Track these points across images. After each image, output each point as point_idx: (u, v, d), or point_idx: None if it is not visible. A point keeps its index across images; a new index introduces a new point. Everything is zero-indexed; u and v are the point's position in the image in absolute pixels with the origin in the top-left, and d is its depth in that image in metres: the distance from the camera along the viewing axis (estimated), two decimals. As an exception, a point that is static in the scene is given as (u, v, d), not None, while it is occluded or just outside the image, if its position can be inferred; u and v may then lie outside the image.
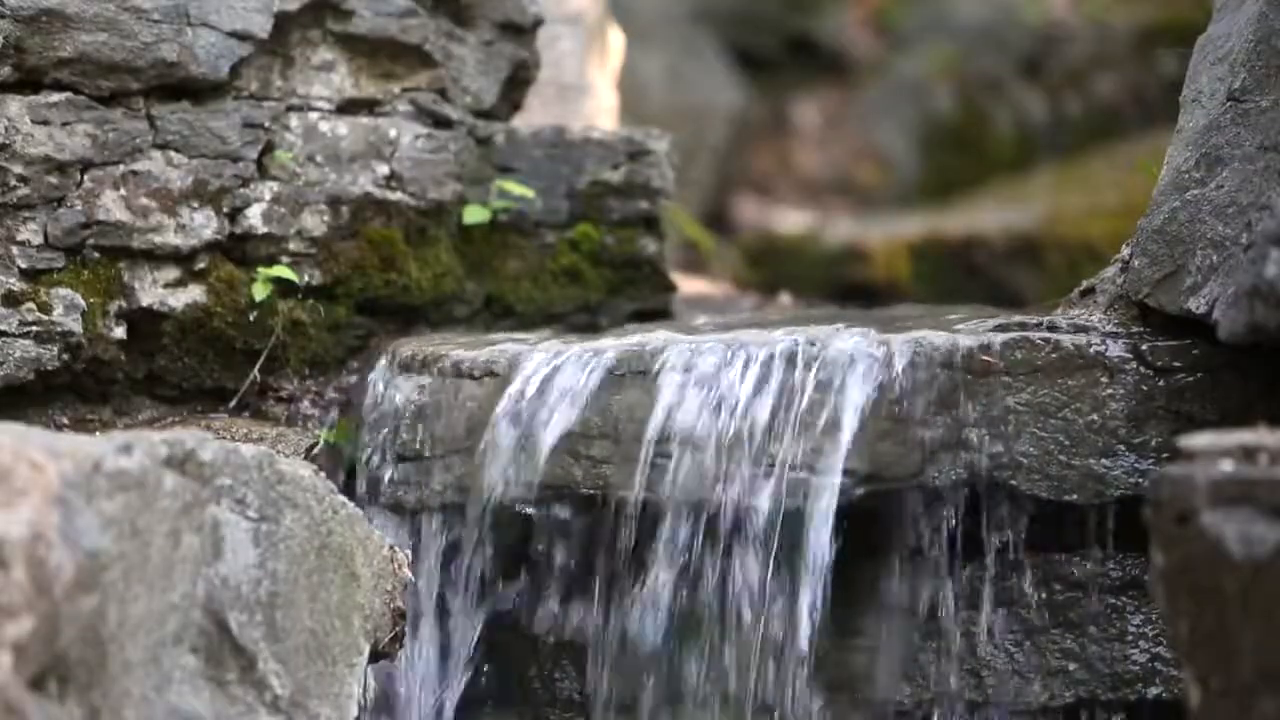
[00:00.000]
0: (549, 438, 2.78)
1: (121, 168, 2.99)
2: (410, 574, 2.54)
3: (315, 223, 3.14)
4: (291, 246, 3.12)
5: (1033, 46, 7.06)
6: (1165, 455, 2.67)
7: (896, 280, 5.63)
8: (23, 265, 2.92)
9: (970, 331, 2.79)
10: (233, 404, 3.10)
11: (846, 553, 2.71)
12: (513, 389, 2.82)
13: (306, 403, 3.13)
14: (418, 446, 2.88)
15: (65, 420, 3.00)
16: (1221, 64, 2.84)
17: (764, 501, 2.69)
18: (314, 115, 3.16)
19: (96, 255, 2.98)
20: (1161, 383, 2.73)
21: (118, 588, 2.11)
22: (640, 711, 2.77)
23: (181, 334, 3.06)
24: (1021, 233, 5.63)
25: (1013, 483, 2.71)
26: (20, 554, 1.96)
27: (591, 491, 2.77)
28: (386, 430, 2.92)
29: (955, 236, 5.73)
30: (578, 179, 3.35)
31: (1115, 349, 2.75)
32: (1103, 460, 2.71)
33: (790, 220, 6.62)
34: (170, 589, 2.20)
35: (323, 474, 2.46)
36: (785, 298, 4.36)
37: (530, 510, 2.79)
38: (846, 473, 2.69)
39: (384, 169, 3.20)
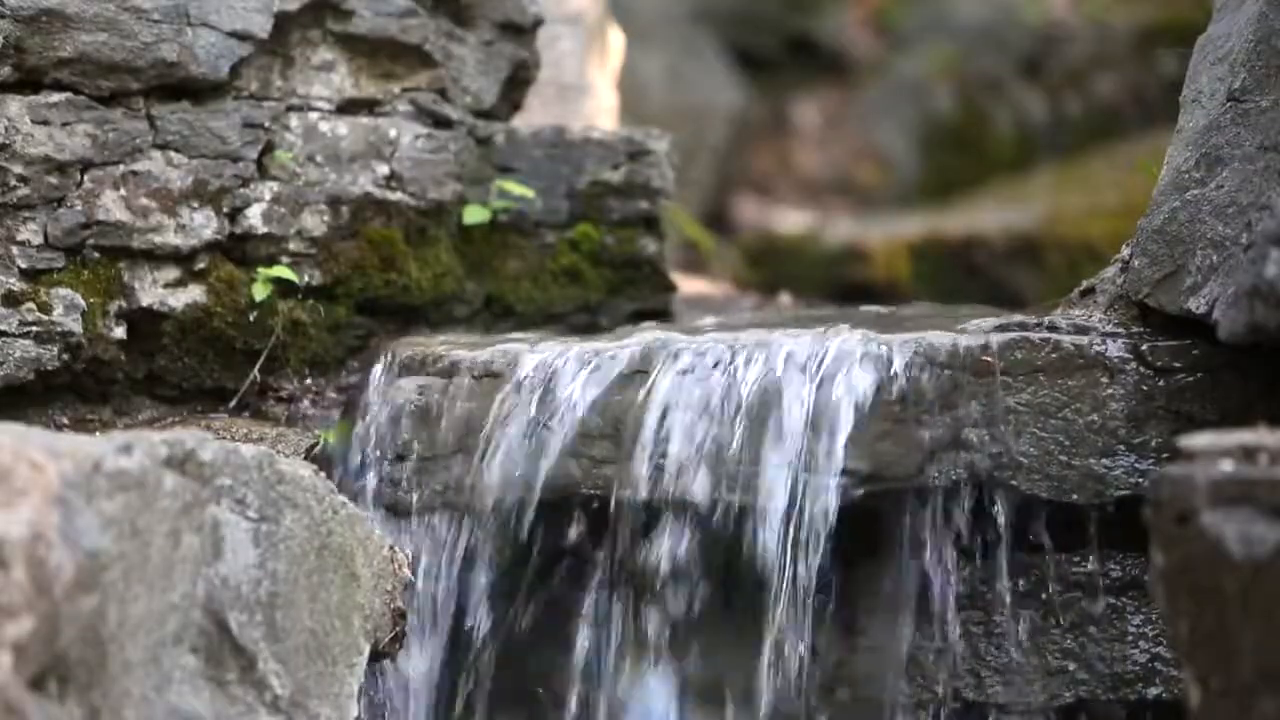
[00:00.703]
0: (548, 438, 2.78)
1: (121, 168, 2.99)
2: (410, 574, 2.55)
3: (315, 223, 3.14)
4: (291, 246, 3.12)
5: (1033, 46, 7.06)
6: (1165, 455, 2.67)
7: (896, 280, 5.63)
8: (23, 265, 2.92)
9: (970, 331, 2.79)
10: (233, 404, 3.10)
11: (847, 553, 2.71)
12: (513, 389, 2.82)
13: (306, 403, 3.13)
14: (418, 447, 2.88)
15: (65, 420, 3.00)
16: (1221, 64, 2.84)
17: (763, 501, 2.69)
18: (314, 115, 3.16)
19: (96, 255, 2.98)
20: (1161, 383, 2.73)
21: (118, 588, 2.11)
22: (647, 710, 2.77)
23: (181, 334, 3.06)
24: (1021, 233, 5.63)
25: (1013, 483, 2.71)
26: (20, 554, 1.96)
27: (592, 492, 2.77)
28: (386, 430, 2.92)
29: (955, 236, 5.73)
30: (578, 179, 3.35)
31: (1115, 349, 2.75)
32: (1103, 460, 2.71)
33: (790, 220, 6.62)
34: (170, 589, 2.20)
35: (322, 474, 2.46)
36: (785, 298, 4.36)
37: (530, 510, 2.78)
38: (846, 473, 2.69)
39: (384, 169, 3.20)
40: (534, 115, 3.59)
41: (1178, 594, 2.02)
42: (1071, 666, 2.73)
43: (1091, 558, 2.74)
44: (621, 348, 2.83)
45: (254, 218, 3.09)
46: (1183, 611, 2.02)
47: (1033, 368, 2.73)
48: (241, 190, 3.07)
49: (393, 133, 3.21)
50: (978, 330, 2.80)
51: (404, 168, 3.20)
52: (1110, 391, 2.73)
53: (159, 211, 3.01)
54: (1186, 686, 2.03)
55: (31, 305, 2.91)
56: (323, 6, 3.15)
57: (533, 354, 2.86)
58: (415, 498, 2.87)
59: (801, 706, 2.72)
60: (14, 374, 2.89)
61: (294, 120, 3.14)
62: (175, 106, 3.03)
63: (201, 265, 3.06)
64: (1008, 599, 2.74)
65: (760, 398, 2.73)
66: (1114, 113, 6.73)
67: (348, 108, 3.20)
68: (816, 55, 7.38)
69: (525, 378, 2.82)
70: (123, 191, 2.98)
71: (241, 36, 3.05)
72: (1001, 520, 2.73)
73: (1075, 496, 2.71)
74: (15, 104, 2.92)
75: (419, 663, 2.82)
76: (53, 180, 2.94)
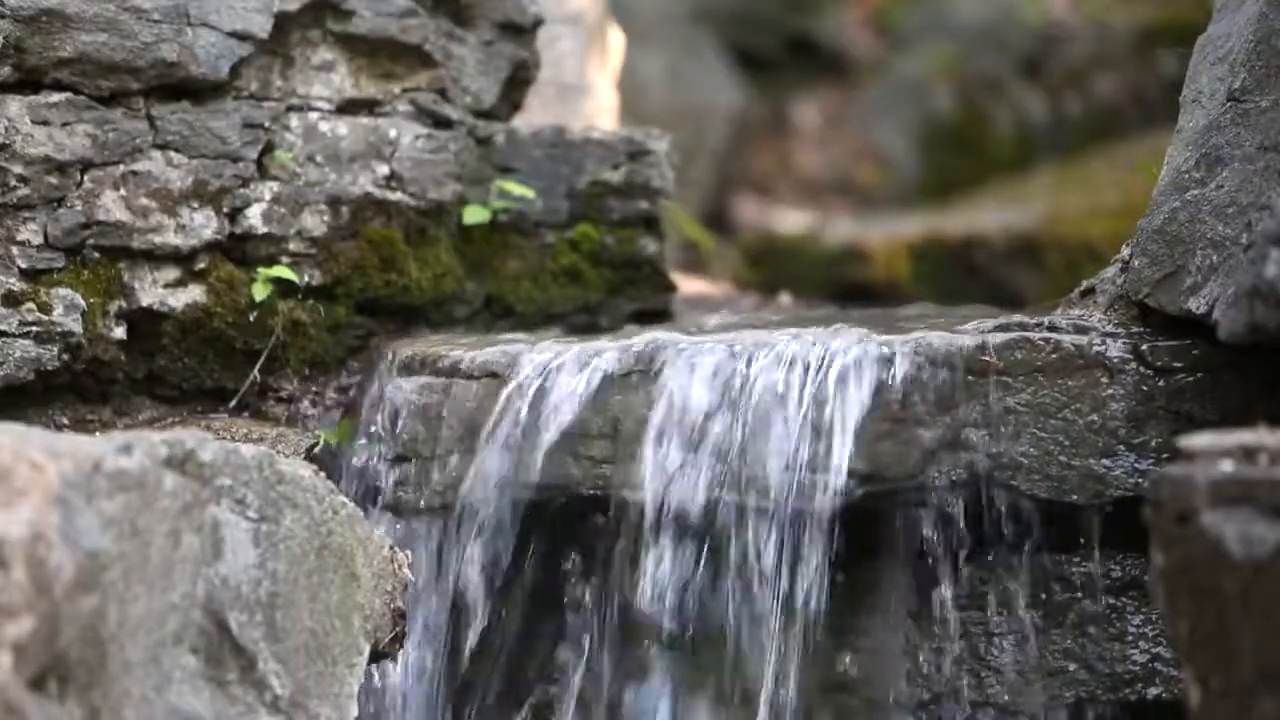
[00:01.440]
0: (548, 438, 2.78)
1: (121, 168, 2.99)
2: (410, 574, 2.55)
3: (315, 223, 3.14)
4: (291, 246, 3.12)
5: (1033, 46, 7.06)
6: (1165, 455, 2.67)
7: (896, 280, 5.62)
8: (23, 265, 2.92)
9: (970, 331, 2.79)
10: (233, 404, 3.10)
11: (846, 553, 2.71)
12: (512, 389, 2.82)
13: (306, 403, 3.13)
14: (418, 446, 2.88)
15: (65, 420, 3.00)
16: (1221, 64, 2.84)
17: (763, 501, 2.69)
18: (314, 115, 3.16)
19: (96, 255, 2.98)
20: (1161, 383, 2.73)
21: (118, 588, 2.11)
22: (644, 710, 2.77)
23: (181, 334, 3.06)
24: (1021, 233, 5.63)
25: (1013, 483, 2.71)
26: (20, 554, 1.96)
27: (591, 492, 2.77)
28: (386, 431, 2.92)
29: (955, 236, 5.73)
30: (578, 179, 3.35)
31: (1115, 349, 2.75)
32: (1103, 460, 2.71)
33: (790, 220, 6.62)
34: (170, 589, 2.20)
35: (322, 474, 2.46)
36: (785, 298, 4.36)
37: (530, 510, 2.79)
38: (846, 473, 2.69)
39: (384, 169, 3.20)
40: (534, 115, 3.59)
41: (1178, 594, 2.02)
42: (1071, 666, 2.73)
43: (1091, 558, 2.74)
44: (621, 348, 2.83)
45: (254, 218, 3.09)
46: (1183, 611, 2.02)
47: (1033, 368, 2.73)
48: (241, 190, 3.07)
49: (393, 133, 3.21)
50: (978, 330, 2.80)
51: (404, 168, 3.21)
52: (1110, 391, 2.73)
53: (159, 211, 3.01)
54: (1186, 686, 2.03)
55: (31, 305, 2.91)
56: (323, 6, 3.15)
57: (533, 354, 2.86)
58: (416, 498, 2.87)
59: (801, 707, 2.72)
60: (14, 374, 2.89)
61: (294, 120, 3.14)
62: (175, 106, 3.03)
63: (201, 265, 3.06)
64: (1007, 599, 2.74)
65: (760, 398, 2.73)
66: (1114, 113, 6.73)
67: (348, 108, 3.20)
68: (816, 55, 7.38)
69: (525, 378, 2.82)
70: (123, 191, 2.98)
71: (241, 36, 3.05)
72: (1001, 520, 2.73)
73: (1075, 497, 2.71)
74: (15, 104, 2.92)
75: (419, 662, 2.82)
76: (53, 180, 2.94)
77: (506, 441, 2.80)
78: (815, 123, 7.21)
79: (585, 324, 3.33)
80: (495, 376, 2.86)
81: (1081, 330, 2.79)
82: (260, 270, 3.08)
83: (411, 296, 3.21)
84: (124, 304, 3.00)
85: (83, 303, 2.94)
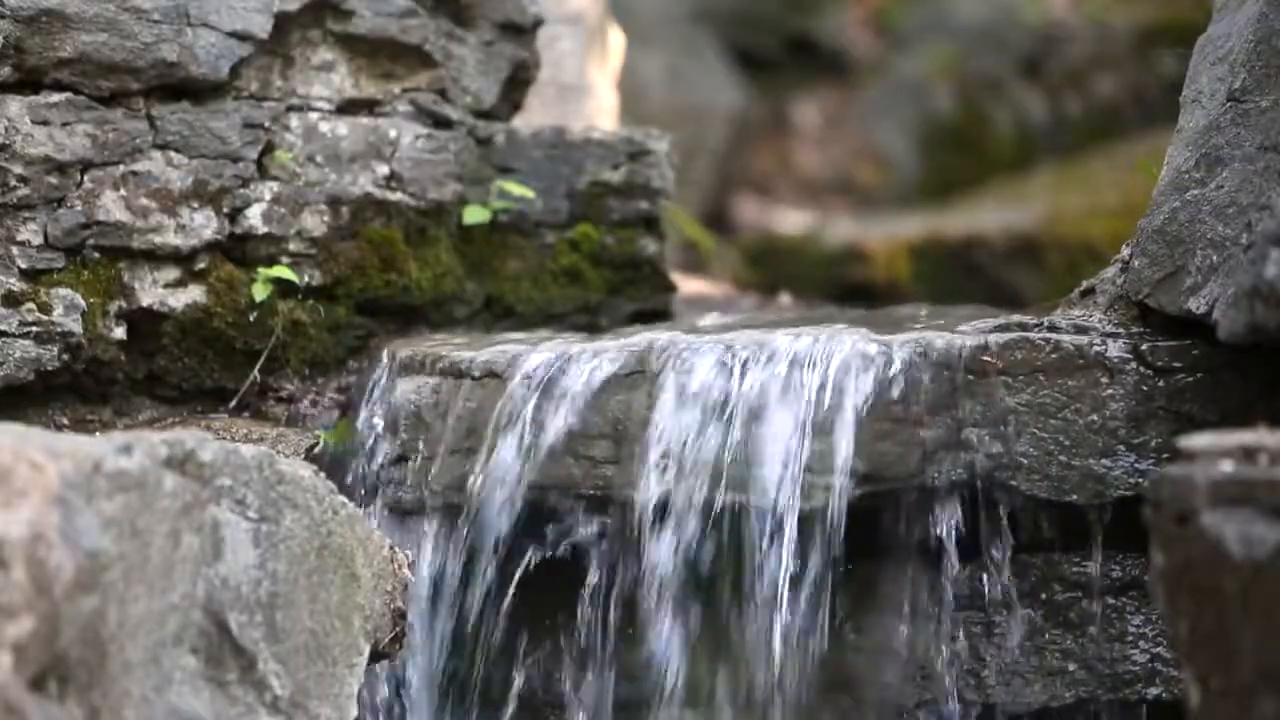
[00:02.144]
0: (549, 438, 2.78)
1: (121, 168, 2.99)
2: (410, 574, 2.54)
3: (315, 223, 3.14)
4: (291, 247, 3.12)
5: (1033, 46, 7.07)
6: (1165, 455, 2.67)
7: (896, 280, 5.63)
8: (23, 265, 2.92)
9: (970, 331, 2.79)
10: (233, 404, 3.10)
11: (846, 553, 2.71)
12: (513, 390, 2.82)
13: (306, 403, 3.13)
14: (418, 447, 2.88)
15: (65, 420, 3.00)
16: (1221, 64, 2.84)
17: (763, 501, 2.69)
18: (314, 115, 3.16)
19: (96, 255, 2.98)
20: (1161, 383, 2.73)
21: (118, 588, 2.11)
22: (647, 710, 2.77)
23: (181, 334, 3.06)
24: (1021, 233, 5.63)
25: (1013, 483, 2.71)
26: (20, 554, 1.96)
27: (591, 492, 2.77)
28: (386, 431, 2.92)
29: (955, 236, 5.73)
30: (578, 179, 3.35)
31: (1115, 349, 2.75)
32: (1103, 460, 2.71)
33: (790, 220, 6.62)
34: (170, 589, 2.20)
35: (322, 474, 2.46)
36: (785, 298, 4.36)
37: (530, 510, 2.79)
38: (846, 473, 2.69)
39: (384, 169, 3.20)
40: (534, 115, 3.59)
41: (1178, 594, 2.02)
42: (1071, 666, 2.73)
43: (1091, 558, 2.74)
44: (621, 348, 2.83)
45: (254, 218, 3.09)
46: (1183, 611, 2.02)
47: (1033, 368, 2.73)
48: (241, 190, 3.07)
49: (393, 133, 3.21)
50: (978, 330, 2.80)
51: (404, 168, 3.21)
52: (1110, 392, 2.73)
53: (159, 211, 3.01)
54: (1186, 686, 2.03)
55: (31, 305, 2.91)
56: (323, 6, 3.15)
57: (533, 354, 2.86)
58: (416, 498, 2.87)
59: (802, 707, 2.72)
60: (14, 374, 2.89)
61: (294, 120, 3.14)
62: (175, 106, 3.03)
63: (201, 265, 3.06)
64: (1008, 599, 2.74)
65: (760, 398, 2.73)
66: (1114, 113, 6.73)
67: (348, 108, 3.20)
68: (816, 55, 7.38)
69: (525, 378, 2.82)
70: (123, 191, 2.98)
71: (241, 36, 3.05)
72: (1001, 520, 2.73)
73: (1075, 497, 2.71)
74: (15, 104, 2.92)
75: (420, 661, 2.82)
76: (53, 180, 2.94)
77: (507, 442, 2.80)
78: (815, 123, 7.21)
79: (585, 324, 3.32)
80: (496, 377, 2.86)
81: (1081, 330, 2.79)
82: (260, 270, 3.08)
83: (411, 296, 3.21)
84: (124, 304, 3.00)
85: (83, 303, 2.94)
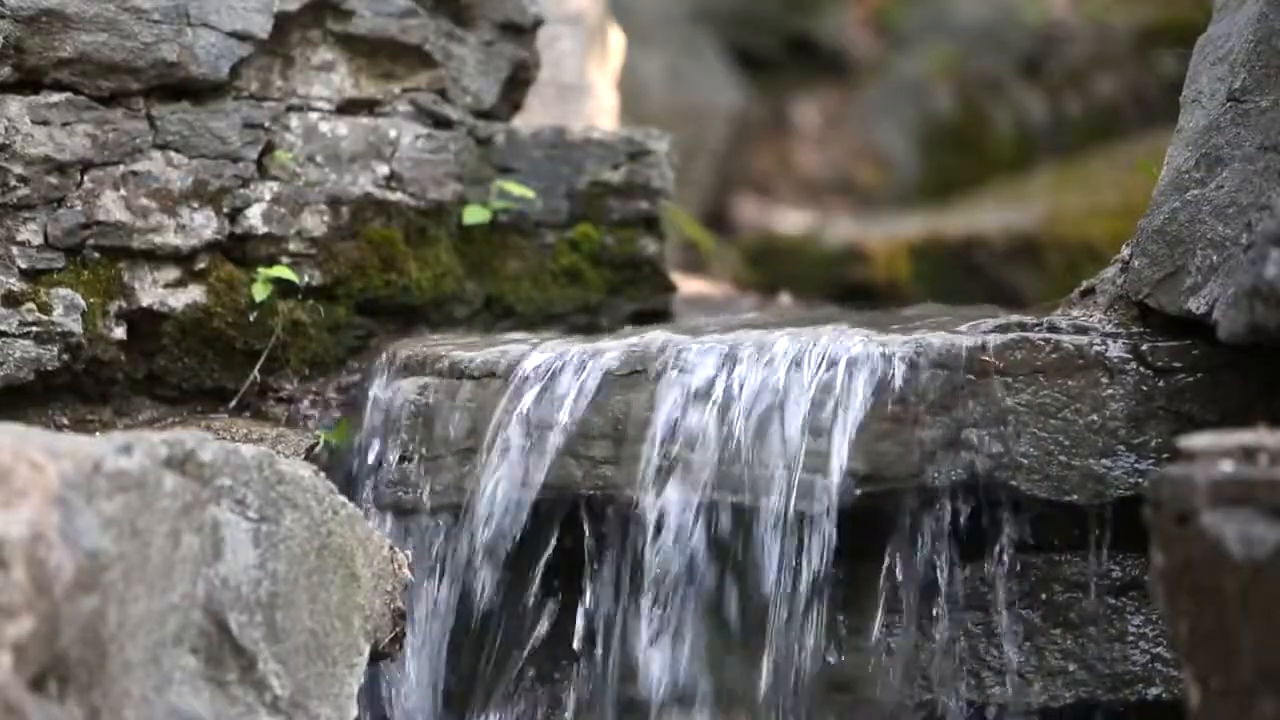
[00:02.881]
0: (548, 438, 2.78)
1: (121, 168, 2.99)
2: (410, 574, 2.55)
3: (315, 223, 3.14)
4: (291, 247, 3.12)
5: (1033, 46, 7.07)
6: (1165, 455, 2.66)
7: (896, 280, 5.63)
8: (23, 265, 2.92)
9: (970, 331, 2.79)
10: (233, 404, 3.10)
11: (847, 553, 2.71)
12: (513, 390, 2.82)
13: (306, 403, 3.13)
14: (418, 447, 2.88)
15: (65, 420, 3.00)
16: (1221, 64, 2.84)
17: (763, 501, 2.69)
18: (314, 115, 3.16)
19: (96, 255, 2.98)
20: (1161, 383, 2.73)
21: (118, 588, 2.11)
22: (646, 712, 2.77)
23: (181, 334, 3.06)
24: (1021, 233, 5.64)
25: (1013, 483, 2.71)
26: (20, 554, 1.96)
27: (592, 492, 2.77)
28: (387, 431, 2.92)
29: (955, 236, 5.73)
30: (578, 179, 3.35)
31: (1115, 349, 2.75)
32: (1103, 460, 2.71)
33: (790, 220, 6.62)
34: (170, 589, 2.20)
35: (322, 474, 2.46)
36: (785, 298, 4.36)
37: (531, 510, 2.79)
38: (846, 473, 2.69)
39: (384, 169, 3.20)
40: (534, 115, 3.59)
41: (1178, 594, 2.02)
42: (1071, 666, 2.73)
43: (1091, 558, 2.74)
44: (622, 348, 2.83)
45: (254, 218, 3.09)
46: (1183, 611, 2.02)
47: (1033, 368, 2.73)
48: (241, 190, 3.07)
49: (393, 133, 3.21)
50: (977, 330, 2.80)
51: (404, 168, 3.21)
52: (1110, 392, 2.73)
53: (159, 211, 3.01)
54: (1186, 686, 2.03)
55: (31, 305, 2.91)
56: (323, 6, 3.15)
57: (533, 354, 2.86)
58: (416, 498, 2.87)
59: (802, 707, 2.72)
60: (14, 374, 2.89)
61: (294, 120, 3.14)
62: (175, 106, 3.03)
63: (201, 265, 3.06)
64: (1008, 599, 2.74)
65: (760, 398, 2.73)
66: (1114, 113, 6.73)
67: (348, 108, 3.20)
68: (816, 55, 7.38)
69: (526, 378, 2.82)
70: (123, 191, 2.98)
71: (241, 37, 3.05)
72: (1001, 520, 2.73)
73: (1075, 497, 2.71)
74: (15, 104, 2.92)
75: (421, 662, 2.82)
76: (53, 180, 2.94)
77: (507, 442, 2.80)
78: (815, 123, 7.21)
79: (585, 324, 3.32)
80: (496, 377, 2.86)
81: (1081, 330, 2.79)
82: (260, 270, 3.08)
83: (411, 296, 3.21)
84: (124, 304, 3.00)
85: (83, 303, 2.94)
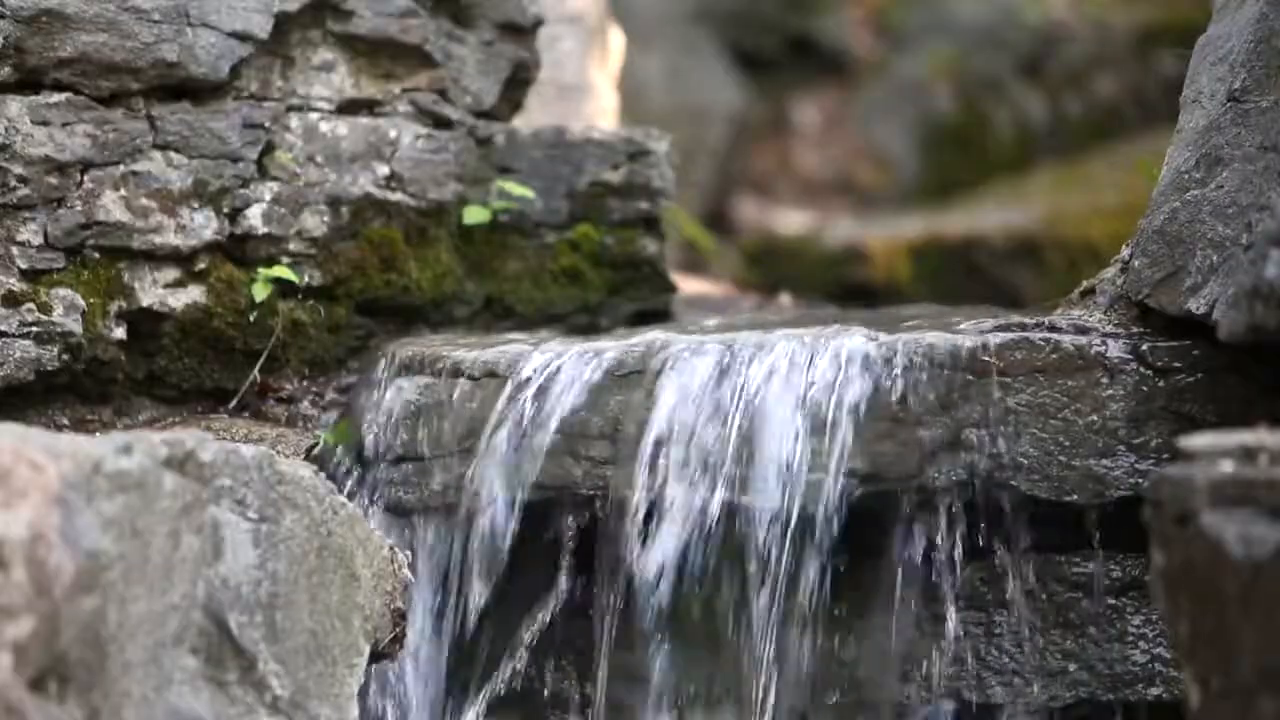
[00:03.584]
0: (549, 438, 2.78)
1: (121, 168, 2.99)
2: (410, 574, 2.55)
3: (315, 223, 3.14)
4: (291, 247, 3.12)
5: (1033, 46, 7.06)
6: (1165, 456, 2.67)
7: (896, 280, 5.63)
8: (23, 265, 2.92)
9: (970, 331, 2.79)
10: (233, 404, 3.10)
11: (846, 553, 2.71)
12: (513, 390, 2.82)
13: (306, 403, 3.13)
14: (418, 447, 2.88)
15: (65, 420, 3.00)
16: (1221, 64, 2.84)
17: (763, 502, 2.69)
18: (314, 115, 3.16)
19: (96, 256, 2.98)
20: (1162, 383, 2.73)
21: (118, 588, 2.11)
22: (642, 711, 2.77)
23: (181, 334, 3.06)
24: (1021, 233, 5.63)
25: (1013, 483, 2.71)
26: (20, 554, 1.96)
27: (591, 492, 2.77)
28: (386, 431, 2.92)
29: (955, 236, 5.73)
30: (578, 179, 3.35)
31: (1115, 349, 2.75)
32: (1103, 461, 2.71)
33: (790, 220, 6.62)
34: (170, 590, 2.20)
35: (322, 474, 2.46)
36: (785, 298, 4.36)
37: (530, 510, 2.79)
38: (846, 473, 2.69)
39: (384, 169, 3.20)
40: (534, 115, 3.59)
41: (1178, 594, 2.02)
42: (1071, 666, 2.73)
43: (1092, 558, 2.74)
44: (622, 348, 2.83)
45: (254, 218, 3.09)
46: (1183, 611, 2.02)
47: (1033, 368, 2.73)
48: (241, 190, 3.07)
49: (393, 133, 3.21)
50: (977, 330, 2.80)
51: (404, 168, 3.21)
52: (1110, 392, 2.73)
53: (159, 212, 3.01)
54: (1186, 686, 2.03)
55: (31, 305, 2.91)
56: (323, 6, 3.15)
57: (533, 354, 2.86)
58: (416, 498, 2.87)
59: (801, 708, 2.72)
60: (14, 374, 2.89)
61: (294, 120, 3.14)
62: (175, 107, 3.03)
63: (201, 265, 3.06)
64: (1008, 599, 2.74)
65: (760, 398, 2.73)
66: (1114, 113, 6.73)
67: (348, 108, 3.20)
68: (816, 55, 7.37)
69: (525, 378, 2.82)
70: (123, 192, 2.98)
71: (241, 37, 3.05)
72: (1001, 521, 2.73)
73: (1075, 497, 2.71)
74: (15, 104, 2.92)
75: (421, 662, 2.82)
76: (53, 180, 2.94)
77: (507, 442, 2.80)
78: (815, 123, 7.21)
79: (585, 324, 3.32)
80: (496, 377, 2.86)
81: (1081, 330, 2.79)
82: (260, 270, 3.08)
83: (411, 297, 3.21)
84: (124, 304, 3.00)
85: (83, 303, 2.94)
